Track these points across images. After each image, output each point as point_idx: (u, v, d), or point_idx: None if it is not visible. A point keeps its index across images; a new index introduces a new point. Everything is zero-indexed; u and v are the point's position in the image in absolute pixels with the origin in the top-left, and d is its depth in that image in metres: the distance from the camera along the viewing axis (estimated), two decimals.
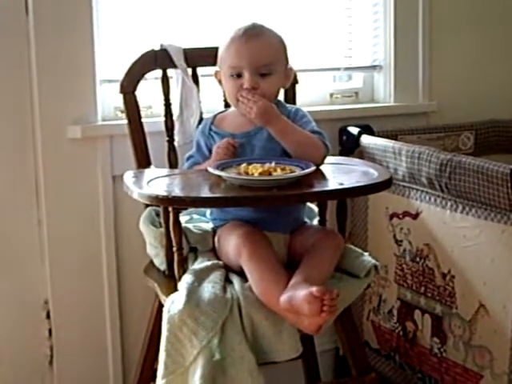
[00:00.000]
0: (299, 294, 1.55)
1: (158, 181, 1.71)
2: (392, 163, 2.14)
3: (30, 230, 2.08)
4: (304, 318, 1.56)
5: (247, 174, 1.64)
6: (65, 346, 2.14)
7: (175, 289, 1.67)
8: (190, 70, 2.06)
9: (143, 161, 1.97)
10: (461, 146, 2.49)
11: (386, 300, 2.29)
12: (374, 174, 1.73)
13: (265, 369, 1.64)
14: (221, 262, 1.76)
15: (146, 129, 1.99)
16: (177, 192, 1.69)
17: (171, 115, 2.03)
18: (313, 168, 1.67)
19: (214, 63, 1.90)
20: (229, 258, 1.74)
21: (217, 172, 1.66)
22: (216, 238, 1.82)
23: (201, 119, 2.02)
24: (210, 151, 1.85)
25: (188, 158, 1.91)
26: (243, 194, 1.61)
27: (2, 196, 2.04)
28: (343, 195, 1.78)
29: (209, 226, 1.87)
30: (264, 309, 1.63)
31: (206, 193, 1.66)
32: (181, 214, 1.75)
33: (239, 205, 1.70)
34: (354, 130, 2.31)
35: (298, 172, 1.65)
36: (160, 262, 1.86)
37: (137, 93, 1.98)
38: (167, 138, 2.03)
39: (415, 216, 2.14)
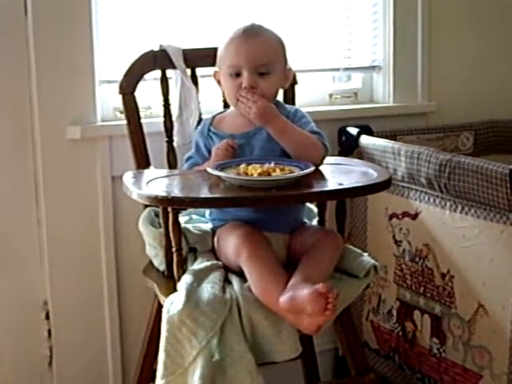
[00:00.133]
0: (301, 293, 1.55)
1: (157, 181, 1.71)
2: (391, 163, 2.14)
3: (30, 231, 2.09)
4: (304, 318, 1.56)
5: (246, 174, 1.64)
6: (64, 347, 2.14)
7: (174, 289, 1.67)
8: (189, 71, 2.06)
9: (142, 161, 1.97)
10: (460, 146, 2.49)
11: (385, 300, 2.29)
12: (373, 174, 1.73)
13: (264, 369, 1.64)
14: (220, 263, 1.76)
15: (146, 129, 1.99)
16: (176, 192, 1.69)
17: (170, 116, 2.03)
18: (312, 168, 1.67)
19: (213, 64, 1.90)
20: (228, 258, 1.74)
21: (216, 172, 1.66)
22: (215, 239, 1.82)
23: (200, 120, 2.02)
24: (209, 152, 1.85)
25: (187, 159, 1.91)
26: (242, 195, 1.61)
27: (2, 196, 2.04)
28: (342, 195, 1.78)
29: (208, 226, 1.87)
30: (263, 309, 1.63)
31: (205, 193, 1.66)
32: (180, 215, 1.75)
33: (238, 205, 1.70)
34: (354, 131, 2.32)
35: (298, 172, 1.65)
36: (159, 263, 1.86)
37: (136, 93, 1.97)
38: (166, 139, 2.03)
39: (414, 216, 2.14)
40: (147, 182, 1.69)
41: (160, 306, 1.74)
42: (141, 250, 1.92)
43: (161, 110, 2.03)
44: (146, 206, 1.87)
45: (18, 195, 2.06)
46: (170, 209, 1.67)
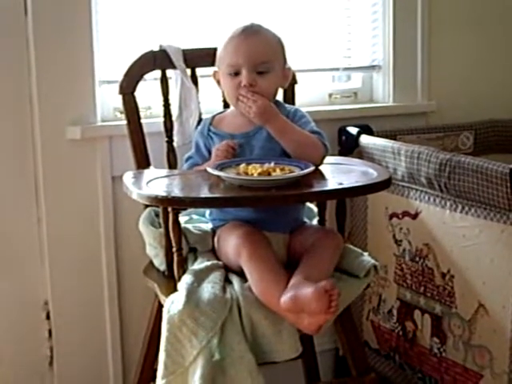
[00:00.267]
0: (304, 291, 1.55)
1: (157, 181, 1.71)
2: (391, 163, 2.14)
3: (30, 231, 2.09)
4: (304, 318, 1.56)
5: (246, 174, 1.64)
6: (65, 347, 2.14)
7: (175, 289, 1.67)
8: (189, 71, 2.06)
9: (142, 161, 1.97)
10: (460, 145, 2.49)
11: (385, 300, 2.29)
12: (373, 173, 1.73)
13: (264, 369, 1.64)
14: (220, 263, 1.76)
15: (146, 129, 1.99)
16: (176, 192, 1.69)
17: (170, 116, 2.03)
18: (312, 168, 1.67)
19: (212, 64, 1.90)
20: (228, 258, 1.74)
21: (216, 172, 1.66)
22: (215, 239, 1.82)
23: (200, 120, 2.02)
24: (209, 152, 1.85)
25: (187, 159, 1.91)
26: (242, 195, 1.61)
27: (2, 196, 2.04)
28: (342, 195, 1.78)
29: (208, 226, 1.87)
30: (263, 309, 1.63)
31: (205, 193, 1.66)
32: (180, 215, 1.75)
33: (238, 205, 1.70)
34: (353, 130, 2.32)
35: (297, 172, 1.65)
36: (159, 263, 1.86)
37: (136, 93, 1.98)
38: (166, 139, 2.03)
39: (414, 216, 2.14)
40: (147, 182, 1.69)
41: (160, 306, 1.74)
42: (141, 250, 1.92)
43: (161, 110, 2.03)
44: (147, 206, 1.87)
45: (18, 195, 2.06)
46: (170, 209, 1.67)
